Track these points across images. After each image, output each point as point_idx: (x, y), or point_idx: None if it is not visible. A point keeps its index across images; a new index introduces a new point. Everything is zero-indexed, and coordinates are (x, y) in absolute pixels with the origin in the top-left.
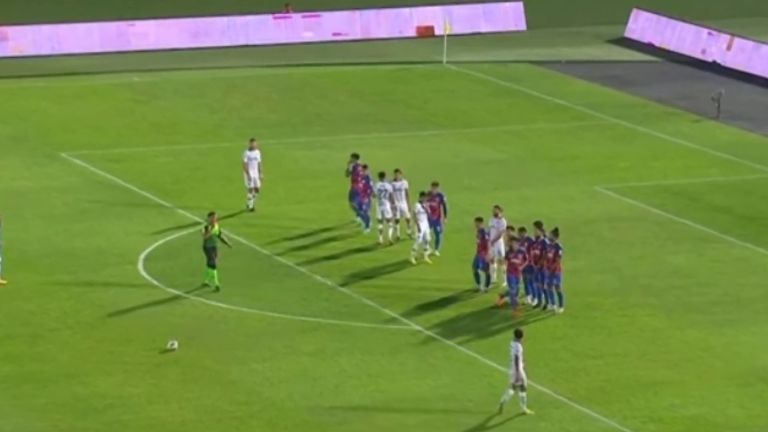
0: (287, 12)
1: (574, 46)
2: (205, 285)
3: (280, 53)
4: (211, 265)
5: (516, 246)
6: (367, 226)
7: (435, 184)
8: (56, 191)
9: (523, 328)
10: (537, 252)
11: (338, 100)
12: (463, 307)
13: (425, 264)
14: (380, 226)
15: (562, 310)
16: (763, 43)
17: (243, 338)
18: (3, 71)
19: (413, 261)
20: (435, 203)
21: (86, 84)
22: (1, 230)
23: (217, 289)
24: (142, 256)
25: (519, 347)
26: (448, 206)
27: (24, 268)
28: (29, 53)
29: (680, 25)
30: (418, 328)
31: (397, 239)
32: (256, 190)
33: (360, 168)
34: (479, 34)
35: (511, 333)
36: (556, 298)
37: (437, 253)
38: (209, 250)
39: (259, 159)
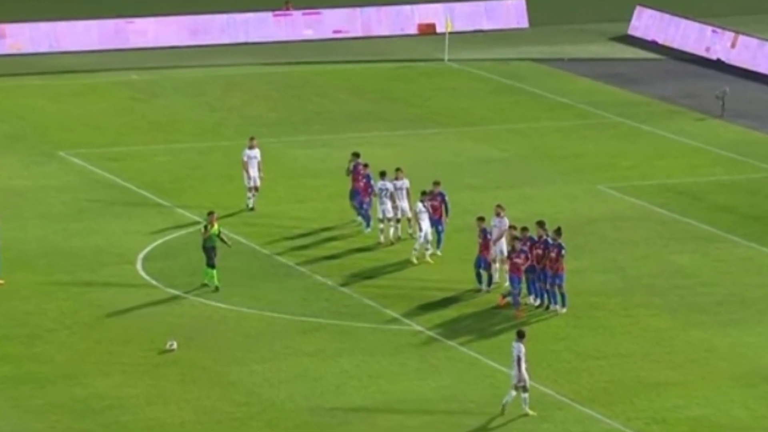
0: (287, 9)
1: (577, 43)
2: (205, 285)
3: (280, 51)
4: (211, 264)
5: (518, 245)
6: (368, 225)
7: (436, 183)
8: (54, 190)
9: (526, 329)
10: (539, 251)
11: (339, 99)
12: (465, 308)
13: (427, 264)
14: (381, 226)
15: (564, 310)
16: None
17: (243, 339)
18: (0, 69)
19: (414, 261)
20: (436, 202)
21: (85, 82)
22: None
23: (217, 289)
24: (140, 256)
25: (521, 348)
26: (449, 205)
27: (22, 267)
28: (27, 51)
29: (684, 22)
30: (419, 328)
31: (398, 239)
32: (256, 189)
33: (361, 167)
34: (481, 31)
35: (513, 333)
36: (558, 298)
37: (439, 252)
38: (208, 250)
39: (258, 158)
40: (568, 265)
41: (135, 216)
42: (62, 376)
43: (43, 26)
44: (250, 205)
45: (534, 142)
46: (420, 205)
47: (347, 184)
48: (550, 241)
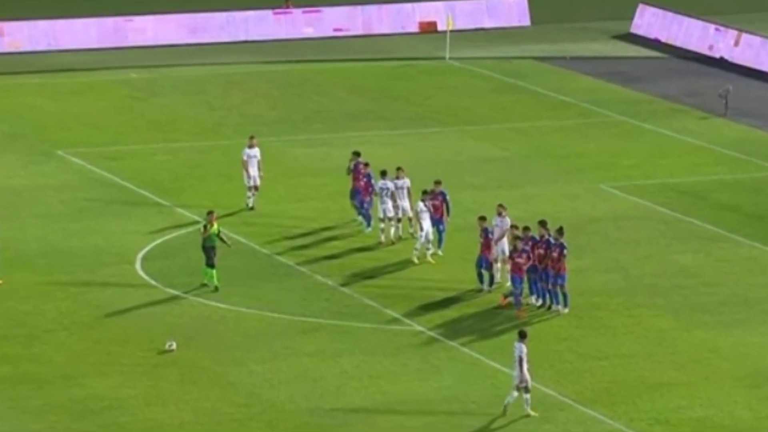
0: (287, 7)
1: (579, 41)
2: (204, 285)
3: (280, 49)
4: (210, 264)
5: (520, 245)
6: (369, 225)
7: (437, 183)
8: (53, 190)
9: (528, 329)
10: (541, 251)
11: (339, 97)
12: (466, 308)
13: (428, 263)
14: (382, 225)
15: (566, 310)
16: None
17: (242, 339)
18: None
19: (415, 260)
20: (437, 202)
21: (83, 80)
22: None
23: (216, 289)
24: (140, 256)
25: (523, 348)
26: (450, 205)
27: (20, 267)
28: (25, 49)
29: (687, 20)
30: (420, 328)
31: (399, 238)
32: (256, 188)
33: (361, 166)
34: (482, 29)
35: (515, 334)
36: (560, 298)
37: (440, 252)
38: (208, 250)
39: (258, 157)
40: (570, 264)
41: (134, 215)
42: (60, 377)
43: (42, 24)
44: (250, 205)
45: (536, 141)
46: (421, 204)
47: (348, 183)
48: (552, 240)
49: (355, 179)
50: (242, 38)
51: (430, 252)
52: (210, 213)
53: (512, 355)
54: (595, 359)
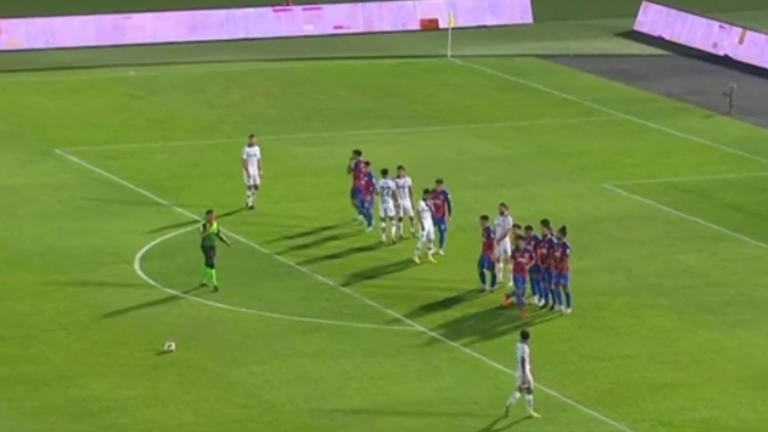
0: (287, 5)
1: (582, 39)
2: (203, 285)
3: (281, 47)
4: (210, 264)
5: (522, 245)
6: (370, 224)
7: (439, 182)
8: (51, 188)
9: (530, 329)
10: (544, 251)
11: (340, 95)
12: (468, 308)
13: (429, 263)
14: (383, 225)
15: (569, 310)
16: None
17: (242, 339)
18: None
19: (417, 260)
20: (439, 201)
21: (81, 78)
22: None
23: (216, 288)
24: (138, 255)
25: (525, 349)
26: (452, 204)
27: (17, 267)
28: (23, 47)
29: (691, 18)
30: (421, 329)
31: (400, 238)
32: (256, 187)
33: (362, 165)
34: (484, 27)
35: (517, 334)
36: (563, 298)
37: (441, 252)
38: (207, 249)
39: (258, 155)
40: (573, 264)
41: (133, 215)
42: (58, 378)
43: (39, 22)
44: (250, 204)
45: (538, 140)
46: (422, 203)
47: (348, 182)
48: (554, 240)
49: (356, 178)
50: (242, 36)
51: (432, 252)
52: (209, 212)
53: (514, 356)
54: (598, 360)
